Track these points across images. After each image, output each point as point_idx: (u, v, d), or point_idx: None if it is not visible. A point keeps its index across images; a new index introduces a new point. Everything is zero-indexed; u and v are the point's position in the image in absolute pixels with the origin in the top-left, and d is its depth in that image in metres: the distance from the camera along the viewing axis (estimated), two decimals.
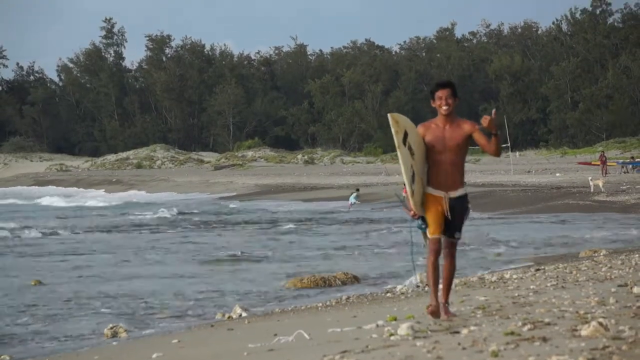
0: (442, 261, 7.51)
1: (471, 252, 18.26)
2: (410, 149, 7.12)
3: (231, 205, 41.49)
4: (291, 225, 27.54)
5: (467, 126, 7.18)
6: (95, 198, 54.61)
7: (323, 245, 20.88)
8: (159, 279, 15.61)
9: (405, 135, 7.10)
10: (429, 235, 7.27)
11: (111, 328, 10.46)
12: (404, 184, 7.30)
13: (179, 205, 39.92)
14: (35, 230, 26.70)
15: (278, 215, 34.18)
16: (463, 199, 7.30)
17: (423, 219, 7.27)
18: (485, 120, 7.13)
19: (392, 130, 7.06)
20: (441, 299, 7.37)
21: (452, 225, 7.26)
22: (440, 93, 7.13)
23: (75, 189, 71.84)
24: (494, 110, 7.32)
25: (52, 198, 55.24)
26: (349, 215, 30.69)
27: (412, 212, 7.24)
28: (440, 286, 7.50)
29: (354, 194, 34.59)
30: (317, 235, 24.40)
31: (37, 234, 25.37)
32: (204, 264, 17.81)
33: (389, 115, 7.12)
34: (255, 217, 32.66)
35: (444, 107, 7.14)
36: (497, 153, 7.28)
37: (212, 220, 30.62)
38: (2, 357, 9.81)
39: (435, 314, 7.31)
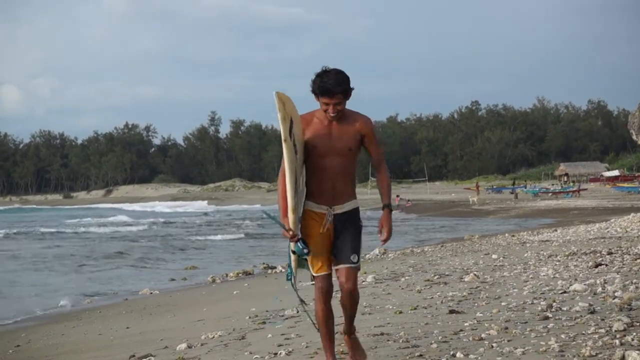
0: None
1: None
2: (294, 145, 4.24)
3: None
4: None
5: (360, 123, 4.34)
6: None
7: None
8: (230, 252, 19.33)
9: (291, 125, 4.20)
10: (313, 273, 4.28)
11: (211, 277, 12.41)
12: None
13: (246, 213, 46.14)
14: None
15: None
16: (353, 214, 4.34)
17: (305, 241, 4.22)
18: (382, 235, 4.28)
19: (279, 115, 4.11)
20: (344, 336, 4.44)
21: (343, 247, 4.25)
22: (326, 100, 4.24)
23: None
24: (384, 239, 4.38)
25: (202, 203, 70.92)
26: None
27: (290, 233, 4.19)
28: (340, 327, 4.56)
29: None
30: None
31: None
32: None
33: (274, 93, 4.09)
34: None
35: (332, 115, 4.29)
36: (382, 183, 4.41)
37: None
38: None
39: None
